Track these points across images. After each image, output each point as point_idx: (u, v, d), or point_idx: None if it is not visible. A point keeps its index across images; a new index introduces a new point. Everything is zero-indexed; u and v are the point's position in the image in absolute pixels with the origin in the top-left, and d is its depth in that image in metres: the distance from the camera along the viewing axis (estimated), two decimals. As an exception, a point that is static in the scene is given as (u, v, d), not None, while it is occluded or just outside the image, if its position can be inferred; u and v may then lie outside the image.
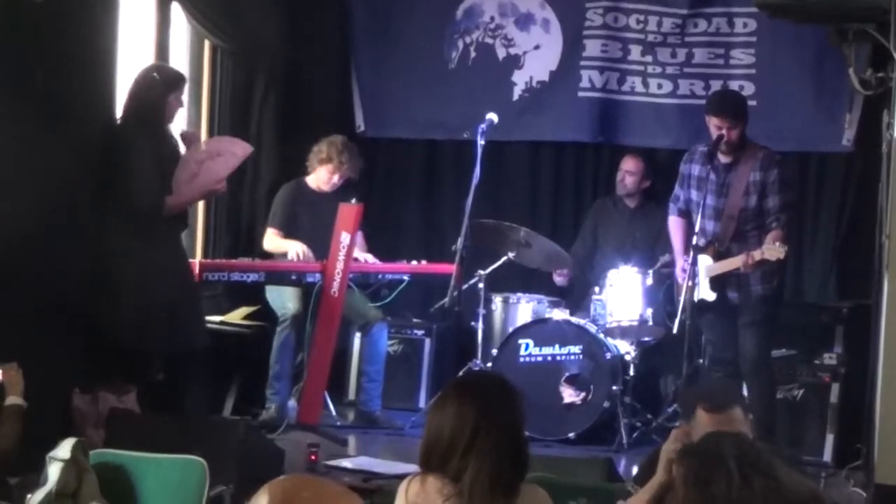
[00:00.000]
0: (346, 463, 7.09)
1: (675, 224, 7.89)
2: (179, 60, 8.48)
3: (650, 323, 8.23)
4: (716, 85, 8.98)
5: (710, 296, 7.51)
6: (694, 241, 7.43)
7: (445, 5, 9.66)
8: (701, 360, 8.00)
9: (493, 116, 8.32)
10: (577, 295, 8.91)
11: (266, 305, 8.37)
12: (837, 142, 8.77)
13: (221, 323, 8.32)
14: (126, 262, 6.92)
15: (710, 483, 2.61)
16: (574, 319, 8.30)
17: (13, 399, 5.28)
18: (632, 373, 8.20)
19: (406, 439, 7.87)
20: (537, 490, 3.69)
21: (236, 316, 8.47)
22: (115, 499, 5.02)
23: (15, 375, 5.33)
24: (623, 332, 8.28)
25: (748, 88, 8.89)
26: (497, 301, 8.77)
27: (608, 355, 8.10)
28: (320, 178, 8.46)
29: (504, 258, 8.56)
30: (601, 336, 8.19)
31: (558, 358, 8.16)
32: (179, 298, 7.18)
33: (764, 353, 7.58)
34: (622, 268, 8.35)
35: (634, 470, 6.11)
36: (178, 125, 7.67)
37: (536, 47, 9.50)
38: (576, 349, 8.15)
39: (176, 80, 7.25)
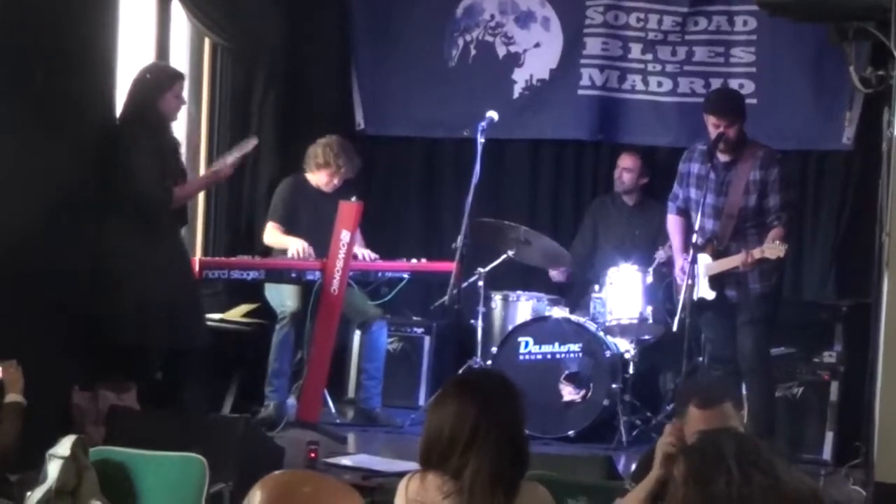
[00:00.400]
0: (346, 461, 7.09)
1: (673, 223, 7.89)
2: (180, 59, 8.48)
3: (650, 321, 8.23)
4: (716, 83, 8.98)
5: (710, 294, 7.51)
6: (693, 240, 7.43)
7: (445, 3, 9.65)
8: (700, 359, 8.00)
9: (493, 114, 8.32)
10: (576, 293, 8.91)
11: (266, 303, 8.37)
12: (837, 140, 8.77)
13: (221, 320, 8.32)
14: (126, 260, 6.93)
15: (710, 482, 2.61)
16: (574, 317, 8.30)
17: (13, 396, 5.29)
18: (631, 371, 8.20)
19: (406, 437, 7.87)
20: (537, 487, 3.69)
21: (236, 313, 8.47)
22: (115, 496, 5.03)
23: (15, 373, 5.33)
24: (623, 331, 8.29)
25: (748, 87, 8.90)
26: (497, 299, 8.77)
27: (608, 353, 8.10)
28: (319, 180, 8.46)
29: (504, 256, 8.56)
30: (601, 334, 8.19)
31: (558, 356, 8.17)
32: (179, 296, 7.19)
33: (763, 351, 7.59)
34: (622, 266, 8.36)
35: (633, 468, 6.11)
36: (179, 123, 7.69)
37: (537, 45, 9.50)
38: (575, 347, 8.15)
39: (171, 78, 7.27)
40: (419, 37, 9.69)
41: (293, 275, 8.10)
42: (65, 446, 5.00)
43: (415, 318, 9.24)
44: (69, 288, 6.61)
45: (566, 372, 8.12)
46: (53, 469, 4.99)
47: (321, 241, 8.09)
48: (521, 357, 8.19)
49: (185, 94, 7.45)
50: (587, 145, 9.59)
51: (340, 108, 9.68)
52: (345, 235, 7.90)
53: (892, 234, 5.72)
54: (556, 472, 5.25)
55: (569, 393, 8.10)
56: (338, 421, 8.41)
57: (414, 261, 8.56)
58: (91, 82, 6.90)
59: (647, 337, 8.35)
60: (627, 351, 8.24)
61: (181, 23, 8.48)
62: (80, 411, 6.68)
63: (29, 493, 5.04)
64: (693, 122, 8.41)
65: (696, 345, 7.94)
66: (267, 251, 8.50)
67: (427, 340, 9.12)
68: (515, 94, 9.54)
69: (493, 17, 9.57)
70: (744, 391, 7.54)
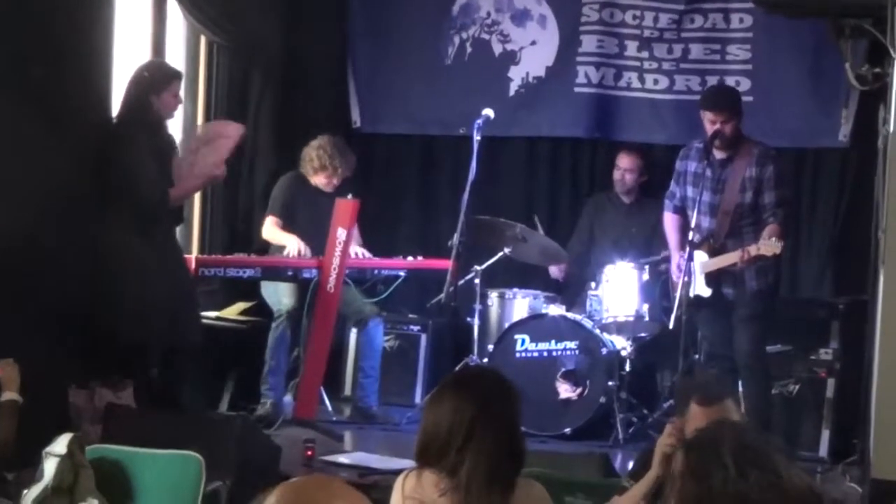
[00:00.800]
0: (343, 458, 7.09)
1: (670, 220, 7.90)
2: (176, 56, 8.48)
3: (646, 318, 8.23)
4: (712, 81, 8.98)
5: (706, 292, 7.52)
6: (689, 237, 7.44)
7: (442, 1, 9.65)
8: (697, 356, 8.00)
9: (489, 112, 8.32)
10: (573, 290, 8.91)
11: (262, 301, 8.37)
12: (834, 137, 8.78)
13: (217, 318, 8.32)
14: (122, 259, 6.93)
15: (707, 476, 2.61)
16: (570, 315, 8.30)
17: (9, 395, 5.28)
18: (628, 368, 8.21)
19: (402, 435, 7.86)
20: (534, 485, 3.70)
21: (232, 311, 8.48)
22: (112, 494, 5.03)
23: (11, 371, 5.32)
24: (619, 328, 8.29)
25: (744, 84, 8.90)
26: (493, 297, 8.77)
27: (604, 351, 8.10)
28: (319, 182, 8.45)
29: (500, 254, 8.57)
30: (597, 331, 8.19)
31: (554, 353, 8.17)
32: (175, 294, 7.19)
33: (759, 348, 7.60)
34: (618, 263, 8.36)
35: (630, 465, 6.11)
36: (175, 121, 7.68)
37: (533, 43, 9.50)
38: (572, 345, 8.15)
39: (168, 77, 7.26)
40: (415, 35, 9.69)
41: (289, 272, 8.10)
42: (61, 444, 5.01)
43: (411, 315, 9.25)
44: (65, 286, 6.60)
45: (563, 369, 8.12)
46: (50, 467, 4.99)
47: (318, 239, 8.09)
48: (518, 354, 8.19)
49: (182, 92, 7.44)
50: (583, 143, 9.59)
51: (337, 106, 9.68)
52: (341, 233, 7.90)
53: (887, 231, 5.72)
54: (552, 469, 5.26)
55: (565, 390, 8.10)
56: (334, 419, 8.41)
57: (410, 258, 8.57)
58: (87, 80, 6.89)
59: (643, 334, 8.35)
60: (624, 348, 8.24)
61: (177, 20, 8.47)
62: (77, 409, 6.68)
63: (25, 492, 5.04)
64: (689, 120, 8.42)
65: (693, 342, 7.94)
66: (263, 248, 8.49)
67: (423, 338, 9.12)
68: (511, 92, 9.54)
69: (489, 14, 9.57)
70: (740, 388, 7.55)
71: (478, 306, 8.46)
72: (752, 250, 7.28)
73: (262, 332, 8.26)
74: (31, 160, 6.27)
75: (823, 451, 7.70)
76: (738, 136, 7.55)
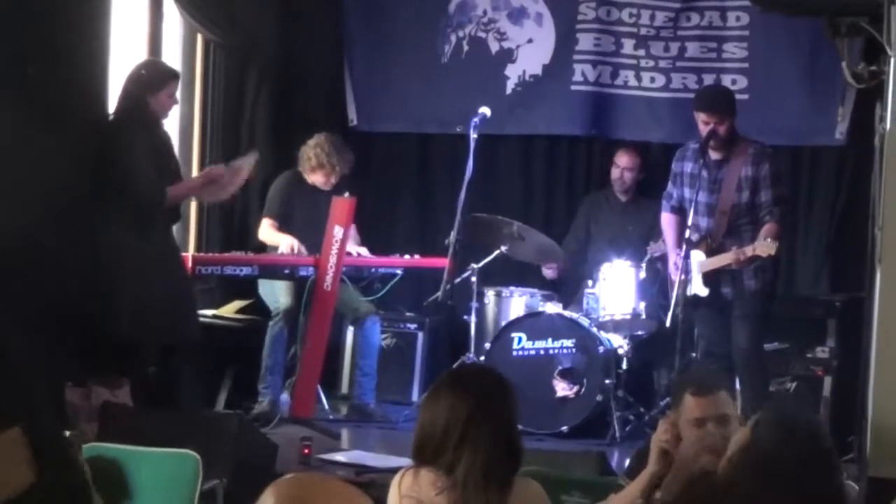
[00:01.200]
0: (340, 457, 7.09)
1: (668, 220, 7.90)
2: (172, 55, 8.47)
3: (643, 317, 8.23)
4: (708, 79, 8.99)
5: (703, 291, 7.52)
6: (687, 236, 7.44)
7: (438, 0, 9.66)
8: (694, 354, 8.00)
9: (485, 110, 8.32)
10: (570, 289, 8.91)
11: (259, 299, 8.36)
12: (830, 135, 8.78)
13: (214, 317, 8.33)
14: (119, 257, 6.93)
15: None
16: (567, 313, 8.30)
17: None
18: (625, 366, 8.20)
19: (399, 433, 7.86)
20: (531, 483, 3.69)
21: (229, 310, 8.48)
22: (108, 493, 5.02)
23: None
24: (616, 326, 8.29)
25: (741, 82, 8.90)
26: (490, 295, 8.77)
27: (601, 349, 8.10)
28: (317, 180, 8.44)
29: (497, 252, 8.56)
30: (594, 330, 8.20)
31: (551, 352, 8.17)
32: (172, 292, 7.18)
33: (757, 346, 7.60)
34: (615, 261, 8.35)
35: (627, 463, 6.11)
36: (172, 120, 7.68)
37: (529, 41, 9.50)
38: (569, 343, 8.15)
39: (166, 77, 7.26)
40: (412, 33, 9.69)
41: (286, 271, 8.10)
42: (58, 443, 4.99)
43: (408, 313, 9.25)
44: (62, 285, 6.59)
45: (559, 368, 8.12)
46: (46, 465, 4.98)
47: (316, 237, 8.09)
48: (515, 353, 8.19)
49: (178, 91, 7.43)
50: (580, 141, 9.60)
51: (333, 105, 9.67)
52: (338, 231, 7.90)
53: (884, 228, 5.72)
54: (549, 467, 5.26)
55: (562, 389, 8.10)
56: (331, 417, 8.41)
57: (407, 256, 8.57)
58: (84, 79, 6.89)
59: (640, 332, 8.35)
60: (621, 346, 8.24)
61: (174, 19, 8.47)
62: (74, 408, 6.67)
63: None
64: (686, 118, 8.41)
65: (690, 340, 7.94)
66: (261, 247, 8.50)
67: (420, 336, 9.12)
68: (508, 90, 9.54)
69: (485, 12, 9.57)
70: (737, 386, 7.55)
71: (474, 304, 8.46)
72: (749, 251, 7.29)
73: (259, 330, 8.26)
74: (27, 159, 6.26)
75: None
76: (734, 135, 7.55)
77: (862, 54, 6.40)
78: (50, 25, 6.51)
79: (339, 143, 8.49)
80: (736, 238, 7.49)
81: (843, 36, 6.06)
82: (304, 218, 8.39)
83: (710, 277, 7.51)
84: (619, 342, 8.25)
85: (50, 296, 6.46)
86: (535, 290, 8.81)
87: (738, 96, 8.11)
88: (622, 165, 8.89)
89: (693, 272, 7.51)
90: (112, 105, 7.16)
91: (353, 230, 8.25)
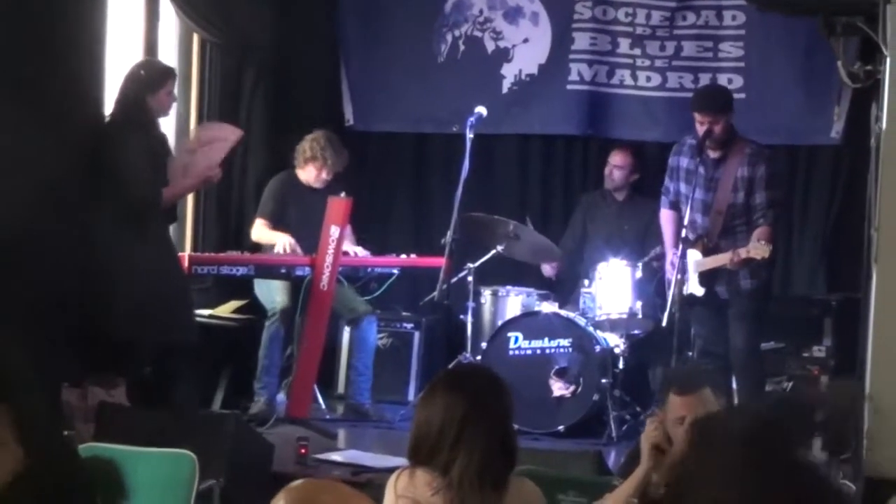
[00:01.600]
0: (336, 456, 7.09)
1: (666, 217, 7.89)
2: (168, 55, 8.47)
3: (639, 316, 8.23)
4: (705, 78, 8.99)
5: (699, 291, 7.52)
6: (683, 234, 7.44)
7: (434, -1, 9.67)
8: (690, 353, 8.01)
9: (482, 110, 8.32)
10: (566, 288, 8.91)
11: (255, 299, 8.36)
12: (826, 135, 8.78)
13: (211, 317, 8.32)
14: (115, 257, 6.92)
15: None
16: (563, 312, 8.30)
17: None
18: (621, 366, 8.20)
19: (395, 432, 7.86)
20: (526, 483, 3.70)
21: (226, 310, 8.47)
22: (105, 493, 5.01)
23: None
24: (612, 325, 8.29)
25: (737, 81, 8.91)
26: (486, 294, 8.77)
27: (598, 348, 8.10)
28: (309, 175, 8.45)
29: (493, 251, 8.56)
30: (591, 329, 8.19)
31: (548, 351, 8.17)
32: (169, 292, 7.18)
33: (753, 346, 7.60)
34: (611, 261, 8.35)
35: (620, 463, 6.12)
36: (168, 120, 7.68)
37: (525, 40, 9.50)
38: (565, 342, 8.15)
39: (164, 76, 7.26)
40: (408, 32, 9.69)
41: (283, 271, 8.10)
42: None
43: (404, 313, 9.25)
44: (59, 285, 6.59)
45: (556, 367, 8.12)
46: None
47: (310, 238, 8.09)
48: (511, 352, 8.19)
49: (175, 90, 7.44)
50: (576, 140, 9.60)
51: (329, 104, 9.67)
52: (334, 231, 7.90)
53: (880, 228, 5.72)
54: (545, 467, 5.26)
55: (559, 388, 8.10)
56: (328, 417, 8.41)
57: (403, 256, 8.57)
58: (80, 79, 6.88)
59: (636, 332, 8.35)
60: (617, 346, 8.24)
61: (170, 19, 8.47)
62: (70, 408, 6.67)
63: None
64: (682, 117, 8.42)
65: (686, 339, 7.94)
66: (257, 247, 8.50)
67: (417, 336, 9.12)
68: (504, 90, 9.54)
69: (481, 12, 9.57)
70: (734, 386, 7.55)
71: (471, 304, 8.46)
72: (742, 253, 7.29)
73: (256, 330, 8.26)
74: (24, 160, 6.25)
75: (817, 448, 7.70)
76: (731, 135, 7.55)
77: (858, 54, 6.41)
78: (46, 26, 6.50)
79: (334, 139, 8.50)
80: (731, 239, 7.49)
81: (839, 35, 6.07)
82: (299, 218, 8.39)
83: (705, 277, 7.51)
84: (616, 341, 8.25)
85: (46, 295, 6.45)
86: (532, 290, 8.81)
87: (734, 96, 8.10)
88: (613, 163, 8.90)
89: (689, 271, 7.51)
90: (108, 106, 7.16)
91: (347, 229, 8.25)
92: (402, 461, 3.80)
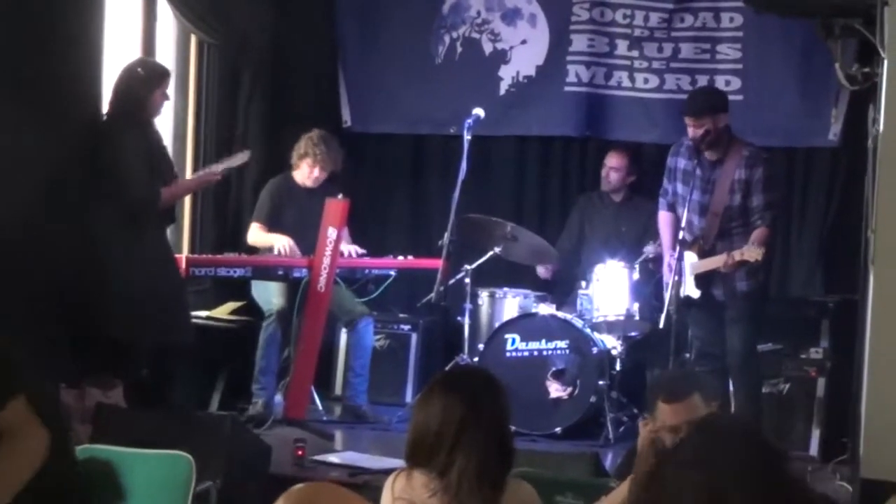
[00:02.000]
0: (333, 458, 7.09)
1: (664, 220, 7.87)
2: (166, 55, 8.47)
3: (637, 318, 8.23)
4: (702, 80, 8.99)
5: (696, 293, 7.51)
6: (680, 236, 7.44)
7: (432, 1, 9.65)
8: (687, 355, 8.00)
9: (479, 111, 8.33)
10: (563, 290, 8.91)
11: (252, 301, 8.36)
12: (824, 137, 8.78)
13: (208, 318, 8.32)
14: (113, 258, 6.92)
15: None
16: (561, 314, 8.30)
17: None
18: (618, 367, 8.21)
19: (393, 434, 7.86)
20: (523, 485, 3.69)
21: (223, 311, 8.47)
22: (102, 494, 5.01)
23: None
24: (609, 327, 8.29)
25: (734, 83, 8.91)
26: (483, 296, 8.76)
27: (595, 350, 8.10)
28: (303, 173, 8.46)
29: (490, 253, 8.56)
30: (588, 331, 8.19)
31: (545, 353, 8.17)
32: (166, 293, 7.18)
33: (750, 348, 7.59)
34: (609, 262, 8.36)
35: (617, 465, 6.12)
36: (166, 120, 7.68)
37: (523, 42, 9.50)
38: (562, 344, 8.15)
39: (160, 75, 7.26)
40: (406, 34, 9.69)
41: (280, 272, 8.10)
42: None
43: (402, 315, 9.25)
44: (56, 285, 6.59)
45: (553, 369, 8.12)
46: (39, 467, 4.97)
47: (307, 240, 8.09)
48: (508, 354, 8.19)
49: (172, 90, 7.45)
50: (574, 142, 9.60)
51: (327, 106, 9.67)
52: (331, 233, 7.90)
53: (877, 230, 5.73)
54: (543, 468, 5.26)
55: (556, 390, 8.10)
56: (325, 418, 8.41)
57: (401, 258, 8.56)
58: (78, 77, 6.88)
59: (633, 333, 8.35)
60: (614, 347, 8.24)
61: (167, 19, 8.46)
62: (67, 409, 6.66)
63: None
64: (679, 119, 8.37)
65: (683, 341, 7.94)
66: (252, 250, 8.49)
67: (414, 337, 9.12)
68: (502, 91, 9.54)
69: (479, 13, 9.57)
70: (730, 387, 7.55)
71: (468, 306, 8.46)
72: (736, 255, 7.29)
73: (253, 331, 8.26)
74: (21, 159, 6.25)
75: (814, 450, 7.71)
76: (727, 137, 7.54)
77: (855, 56, 6.41)
78: (44, 26, 6.50)
79: (330, 138, 8.51)
80: (727, 241, 7.48)
81: (837, 37, 6.08)
82: (295, 220, 8.39)
83: (701, 279, 7.50)
84: (613, 343, 8.26)
85: (43, 296, 6.45)
86: (529, 292, 8.81)
87: (731, 97, 8.09)
88: (609, 165, 8.90)
89: (686, 273, 7.51)
90: (105, 105, 7.16)
91: (344, 231, 8.24)
92: (399, 463, 3.80)
